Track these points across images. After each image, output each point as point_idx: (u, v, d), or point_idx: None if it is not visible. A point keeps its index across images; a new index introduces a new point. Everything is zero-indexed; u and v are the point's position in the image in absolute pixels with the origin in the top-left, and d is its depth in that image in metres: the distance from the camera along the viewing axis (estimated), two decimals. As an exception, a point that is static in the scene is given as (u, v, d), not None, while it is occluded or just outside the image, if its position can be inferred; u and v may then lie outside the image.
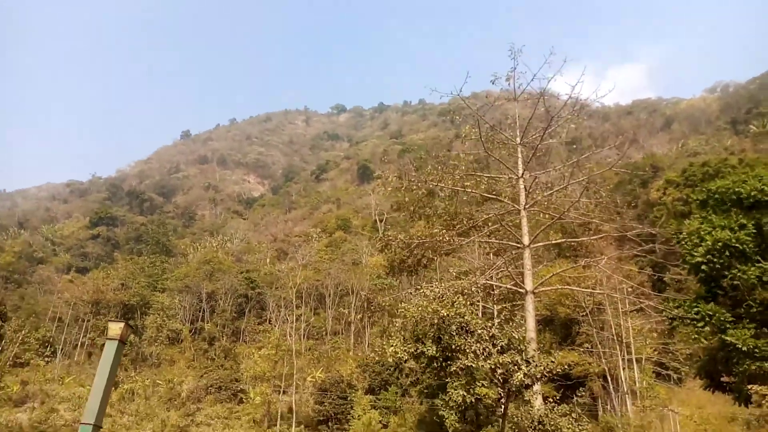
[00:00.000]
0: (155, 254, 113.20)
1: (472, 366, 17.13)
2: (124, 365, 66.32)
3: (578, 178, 26.46)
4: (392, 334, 20.20)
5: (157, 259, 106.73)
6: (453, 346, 17.15)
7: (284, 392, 54.38)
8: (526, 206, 25.70)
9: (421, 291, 19.54)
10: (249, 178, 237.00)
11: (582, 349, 48.47)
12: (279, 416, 51.58)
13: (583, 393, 47.41)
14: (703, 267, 26.44)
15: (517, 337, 17.25)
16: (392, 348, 17.39)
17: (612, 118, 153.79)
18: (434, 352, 17.64)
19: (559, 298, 49.15)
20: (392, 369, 53.49)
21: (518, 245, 25.62)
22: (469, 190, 25.97)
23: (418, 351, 17.11)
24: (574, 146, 34.85)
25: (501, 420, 17.92)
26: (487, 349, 16.75)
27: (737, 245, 25.06)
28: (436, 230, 25.50)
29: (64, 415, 51.72)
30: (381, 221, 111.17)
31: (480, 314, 19.21)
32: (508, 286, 26.48)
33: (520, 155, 26.59)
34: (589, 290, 36.78)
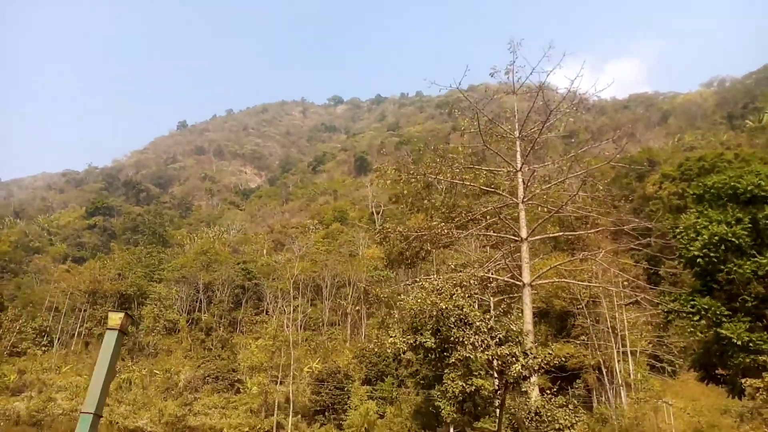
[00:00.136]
0: (152, 244, 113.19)
1: (469, 357, 17.29)
2: (121, 355, 66.50)
3: (576, 171, 26.57)
4: (391, 325, 20.36)
5: (153, 250, 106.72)
6: (451, 338, 17.29)
7: (281, 382, 54.65)
8: (524, 199, 25.81)
9: (420, 283, 19.66)
10: (246, 169, 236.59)
11: (578, 342, 48.86)
12: (276, 406, 51.86)
13: (579, 385, 47.84)
14: (699, 261, 26.76)
15: (515, 330, 17.41)
16: (391, 339, 17.52)
17: (609, 112, 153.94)
18: (432, 343, 17.79)
19: (555, 290, 49.46)
20: (389, 360, 53.86)
21: (516, 238, 25.75)
22: (468, 183, 26.06)
23: (417, 342, 17.25)
24: (572, 140, 34.91)
25: (498, 411, 18.11)
26: (485, 341, 16.89)
27: (733, 239, 25.36)
28: (434, 223, 25.62)
29: (61, 404, 51.89)
30: (378, 213, 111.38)
31: (477, 306, 19.37)
32: (506, 279, 26.64)
33: (518, 149, 26.66)
34: (585, 283, 37.00)
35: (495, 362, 17.43)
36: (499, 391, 18.62)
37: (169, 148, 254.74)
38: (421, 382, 49.11)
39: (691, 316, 25.83)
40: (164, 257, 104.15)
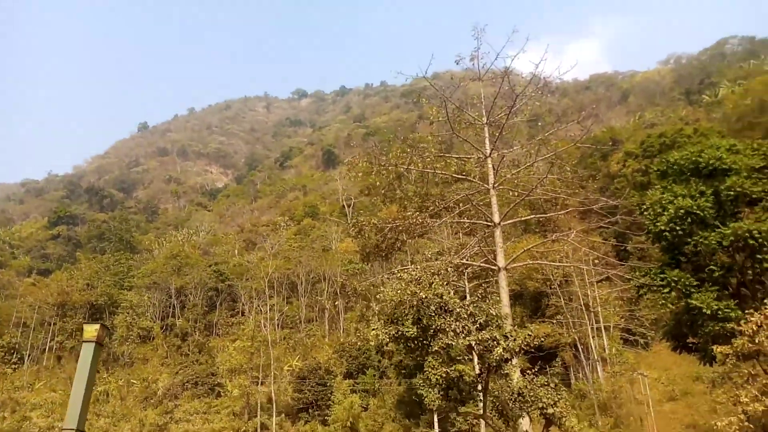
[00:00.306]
0: (119, 251, 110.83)
1: (451, 344, 17.47)
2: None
3: (544, 154, 26.94)
4: (371, 318, 20.40)
5: (121, 257, 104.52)
6: (433, 326, 17.42)
7: (262, 383, 54.33)
8: (495, 185, 26.07)
9: (398, 275, 19.73)
10: (211, 168, 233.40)
11: (553, 321, 49.72)
12: (258, 407, 51.59)
13: (556, 363, 48.76)
14: (666, 235, 27.52)
15: (494, 314, 17.62)
16: (374, 331, 17.58)
17: (571, 93, 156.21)
18: (415, 333, 17.90)
19: (528, 272, 50.22)
20: (370, 352, 54.03)
21: (489, 223, 26.01)
22: (440, 172, 26.20)
23: (399, 333, 17.34)
24: (537, 123, 35.40)
25: (482, 395, 18.35)
26: (466, 327, 17.08)
27: (698, 212, 26.11)
28: (408, 213, 25.70)
29: (37, 422, 50.60)
30: (349, 206, 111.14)
31: (453, 293, 19.55)
32: (481, 264, 26.93)
33: (487, 134, 26.87)
34: (558, 264, 37.65)
35: (476, 347, 17.65)
36: (481, 375, 18.86)
37: (131, 151, 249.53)
38: (403, 371, 49.50)
39: (661, 289, 26.58)
40: (133, 264, 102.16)
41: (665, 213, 27.48)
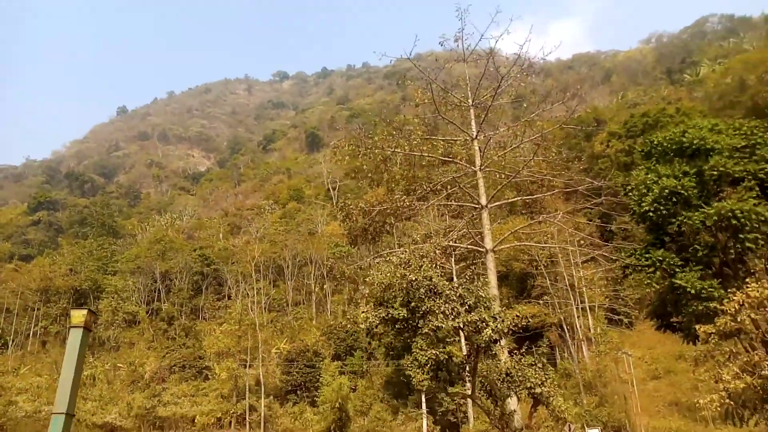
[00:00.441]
0: (102, 236, 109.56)
1: (440, 326, 17.61)
2: (82, 352, 64.77)
3: (530, 136, 27.03)
4: (360, 301, 20.48)
5: (104, 242, 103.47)
6: (423, 309, 17.53)
7: (250, 366, 54.45)
8: (482, 167, 26.14)
9: (387, 258, 19.79)
10: (193, 152, 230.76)
11: (539, 302, 50.27)
12: (247, 389, 51.77)
13: (542, 343, 49.42)
14: (650, 215, 27.77)
15: (483, 296, 17.76)
16: (363, 314, 17.67)
17: (554, 73, 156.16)
18: (404, 315, 18.01)
19: (514, 253, 50.61)
20: (358, 334, 54.29)
21: (476, 206, 26.13)
22: (427, 155, 26.20)
23: (390, 315, 17.43)
24: (522, 104, 35.50)
25: (471, 375, 18.58)
26: (455, 309, 17.22)
27: (682, 192, 26.36)
28: (396, 196, 25.71)
29: (23, 407, 50.27)
30: (334, 189, 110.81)
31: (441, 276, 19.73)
32: (469, 247, 27.09)
33: (473, 116, 26.89)
34: (545, 245, 37.99)
35: (465, 329, 17.81)
36: (470, 357, 19.08)
37: (111, 135, 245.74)
38: (391, 353, 49.87)
39: (646, 268, 26.88)
40: (116, 249, 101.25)
41: (649, 193, 27.70)
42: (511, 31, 25.31)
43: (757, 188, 26.33)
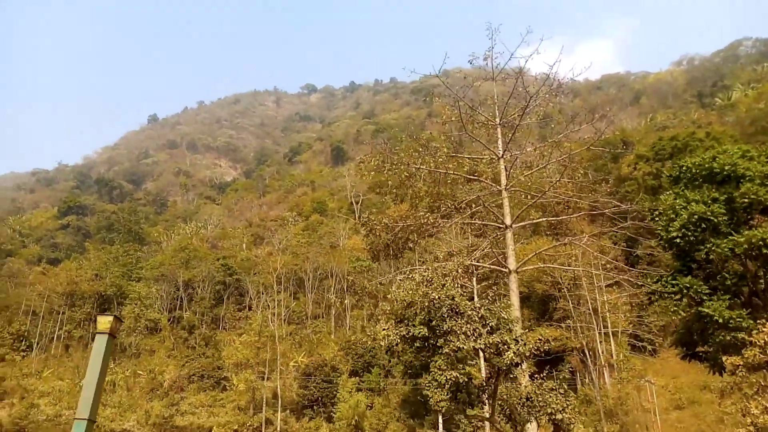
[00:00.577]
0: (128, 243, 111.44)
1: (462, 347, 17.42)
2: (103, 357, 65.47)
3: (557, 157, 26.78)
4: (381, 318, 20.40)
5: (130, 248, 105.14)
6: (443, 328, 17.37)
7: (268, 378, 54.47)
8: (507, 186, 25.96)
9: (409, 275, 19.70)
10: (220, 162, 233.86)
11: (562, 326, 49.48)
12: (264, 402, 51.73)
13: (563, 367, 48.49)
14: (678, 241, 27.26)
15: (505, 317, 17.54)
16: (384, 332, 17.56)
17: (582, 93, 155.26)
18: (425, 333, 17.87)
19: (536, 275, 50.03)
20: (376, 351, 54.00)
21: (500, 225, 25.90)
22: (452, 173, 26.12)
23: (410, 334, 17.31)
24: (551, 126, 35.27)
25: (491, 398, 18.30)
26: (477, 330, 17.02)
27: (712, 218, 25.85)
28: (420, 213, 25.63)
29: (45, 410, 50.99)
30: (357, 203, 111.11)
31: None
32: (492, 266, 26.83)
33: (500, 135, 26.75)
34: (569, 268, 37.45)
35: (486, 350, 17.58)
36: (491, 379, 18.81)
37: (141, 143, 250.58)
38: (409, 371, 49.46)
39: (673, 295, 26.34)
40: (141, 255, 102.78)
41: (678, 219, 27.24)
42: (541, 51, 25.20)
43: (790, 217, 25.75)
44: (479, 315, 17.57)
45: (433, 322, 18.09)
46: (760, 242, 23.96)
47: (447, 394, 19.19)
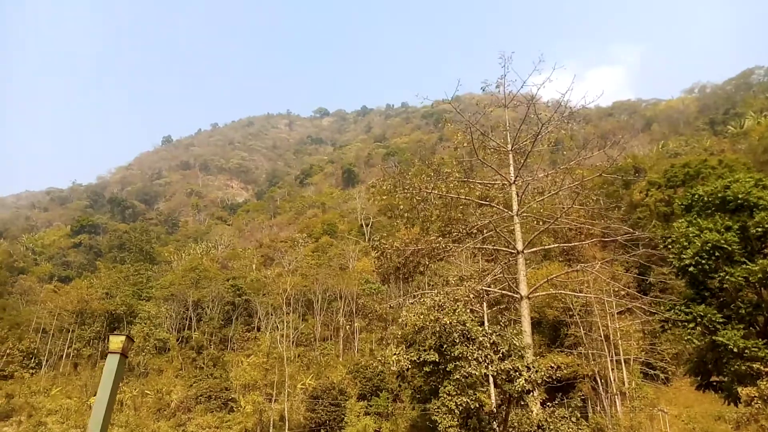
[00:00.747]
0: (139, 262, 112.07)
1: (473, 373, 17.36)
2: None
3: (569, 183, 26.87)
4: (390, 341, 20.39)
5: (141, 267, 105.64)
6: (454, 354, 17.34)
7: (275, 400, 54.13)
8: (519, 212, 26.03)
9: (420, 299, 19.73)
10: (232, 183, 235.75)
11: (575, 353, 48.96)
12: (271, 424, 51.36)
13: (574, 395, 47.86)
14: (691, 269, 27.02)
15: (517, 344, 17.49)
16: (395, 356, 17.55)
17: (593, 120, 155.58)
18: (435, 358, 17.84)
19: (548, 300, 49.69)
20: (386, 374, 53.53)
21: (512, 251, 25.91)
22: (464, 198, 26.26)
23: (421, 359, 17.29)
24: (563, 152, 35.37)
25: (502, 426, 18.14)
26: (488, 356, 16.98)
27: (725, 246, 25.66)
28: (432, 238, 25.74)
29: (52, 428, 50.98)
30: (367, 225, 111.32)
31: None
32: (504, 292, 26.78)
33: (512, 161, 26.93)
34: (581, 294, 37.22)
35: (497, 377, 17.49)
36: (502, 406, 18.68)
37: (155, 164, 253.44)
38: (417, 396, 48.96)
39: (686, 324, 26.06)
40: (152, 275, 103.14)
41: (690, 246, 27.05)
42: (553, 79, 25.48)
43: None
44: (491, 341, 17.57)
45: (444, 348, 18.10)
46: (775, 271, 23.74)
47: (457, 420, 19.08)
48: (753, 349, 23.70)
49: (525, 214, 26.67)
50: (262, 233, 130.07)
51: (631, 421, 41.49)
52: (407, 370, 17.69)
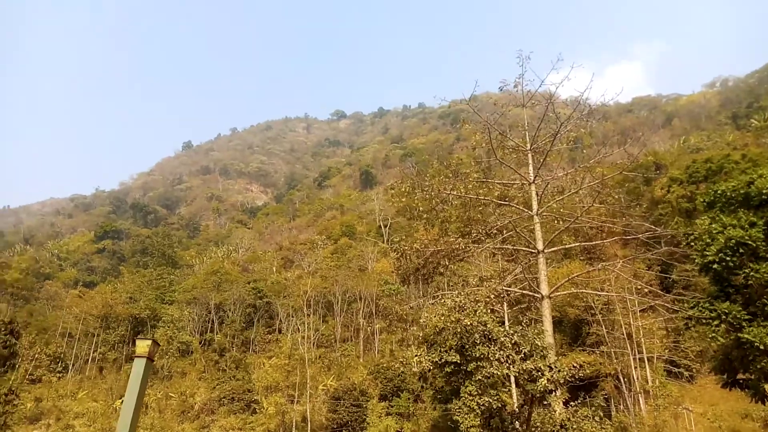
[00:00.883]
0: (161, 266, 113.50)
1: (495, 373, 17.38)
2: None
3: (589, 181, 26.72)
4: (411, 342, 20.51)
5: (163, 271, 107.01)
6: (476, 354, 17.39)
7: (297, 401, 54.51)
8: (539, 212, 25.95)
9: (442, 300, 19.80)
10: (252, 187, 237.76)
11: (598, 351, 48.56)
12: (293, 426, 51.73)
13: (596, 394, 47.52)
14: (715, 266, 26.65)
15: (539, 344, 17.48)
16: (416, 357, 17.65)
17: (613, 116, 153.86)
18: (456, 359, 17.90)
19: (569, 299, 49.35)
20: (407, 375, 53.61)
21: (532, 250, 25.84)
22: (482, 198, 26.25)
23: (443, 360, 17.36)
24: (582, 150, 35.11)
25: (525, 426, 18.14)
26: (510, 357, 17.00)
27: (750, 242, 25.27)
28: (452, 239, 25.78)
29: (80, 431, 51.88)
30: (386, 226, 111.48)
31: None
32: (525, 292, 26.70)
33: (531, 161, 26.85)
34: (603, 293, 36.93)
35: (519, 377, 17.49)
36: (524, 406, 18.67)
37: (175, 169, 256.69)
38: (438, 396, 48.97)
39: (710, 321, 25.72)
40: (174, 279, 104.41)
41: (714, 243, 26.68)
42: (571, 78, 25.36)
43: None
44: (512, 341, 17.59)
45: (465, 348, 18.15)
46: (801, 268, 23.34)
47: (479, 420, 19.12)
48: (780, 346, 23.32)
49: (545, 214, 26.56)
50: (282, 236, 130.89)
51: (655, 420, 41.07)
52: (429, 371, 17.77)
